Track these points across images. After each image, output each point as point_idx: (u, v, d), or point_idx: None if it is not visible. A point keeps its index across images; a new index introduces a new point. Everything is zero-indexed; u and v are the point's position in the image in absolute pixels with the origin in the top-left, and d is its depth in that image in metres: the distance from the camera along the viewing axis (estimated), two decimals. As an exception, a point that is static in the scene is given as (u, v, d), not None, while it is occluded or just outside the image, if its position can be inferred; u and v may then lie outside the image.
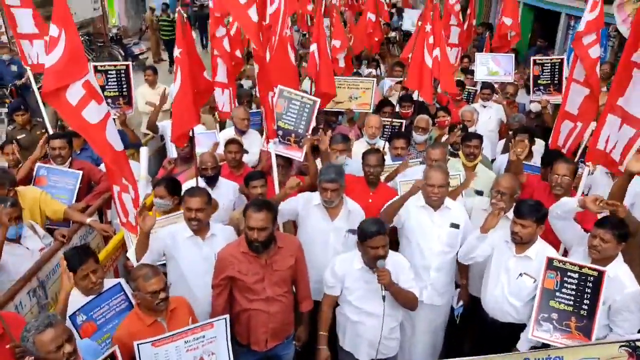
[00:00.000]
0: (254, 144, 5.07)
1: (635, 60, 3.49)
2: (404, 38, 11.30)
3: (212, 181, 4.55)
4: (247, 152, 5.07)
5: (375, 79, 6.74)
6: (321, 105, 5.83)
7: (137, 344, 2.67)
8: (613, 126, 3.74)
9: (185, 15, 3.78)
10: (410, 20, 12.07)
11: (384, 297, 3.27)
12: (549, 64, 6.70)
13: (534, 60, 6.78)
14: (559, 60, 6.77)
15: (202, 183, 4.44)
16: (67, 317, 3.03)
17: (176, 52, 3.80)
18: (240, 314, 3.43)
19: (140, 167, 5.04)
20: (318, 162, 4.85)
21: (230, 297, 3.45)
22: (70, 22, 3.13)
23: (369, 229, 3.27)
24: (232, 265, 3.31)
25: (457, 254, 3.94)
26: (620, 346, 2.95)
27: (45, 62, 3.13)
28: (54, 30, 3.09)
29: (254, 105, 6.70)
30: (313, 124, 4.76)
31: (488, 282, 3.72)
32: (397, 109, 6.59)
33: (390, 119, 6.07)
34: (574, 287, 3.23)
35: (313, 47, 5.71)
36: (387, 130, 5.93)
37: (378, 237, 3.25)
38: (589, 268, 3.23)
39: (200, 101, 4.16)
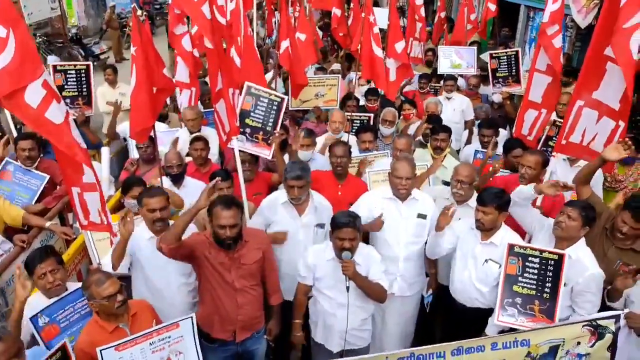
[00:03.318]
0: (211, 143, 5.04)
1: (608, 55, 3.56)
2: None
3: (178, 180, 4.49)
4: None
5: (339, 75, 6.76)
6: (294, 95, 5.87)
7: (100, 350, 2.61)
8: (590, 119, 3.83)
9: (144, 13, 3.75)
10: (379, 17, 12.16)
11: (347, 288, 3.33)
12: (505, 57, 6.87)
13: (491, 55, 6.95)
14: (515, 52, 6.94)
15: (167, 182, 4.39)
16: (29, 319, 2.95)
17: (132, 49, 3.77)
18: (209, 301, 3.40)
19: (102, 168, 4.94)
20: (286, 158, 4.85)
21: (199, 282, 3.45)
22: (18, 21, 3.00)
23: (339, 220, 3.34)
24: (204, 244, 3.28)
25: (425, 244, 3.99)
26: (583, 326, 3.05)
27: None
28: (0, 31, 2.97)
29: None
30: (281, 121, 4.75)
31: (455, 269, 3.79)
32: (363, 102, 6.65)
33: (357, 114, 6.11)
34: (535, 271, 3.32)
35: (285, 43, 5.71)
36: (355, 124, 5.96)
37: (346, 229, 3.30)
38: (550, 252, 3.32)
39: (161, 98, 4.11)
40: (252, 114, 4.64)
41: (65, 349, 2.57)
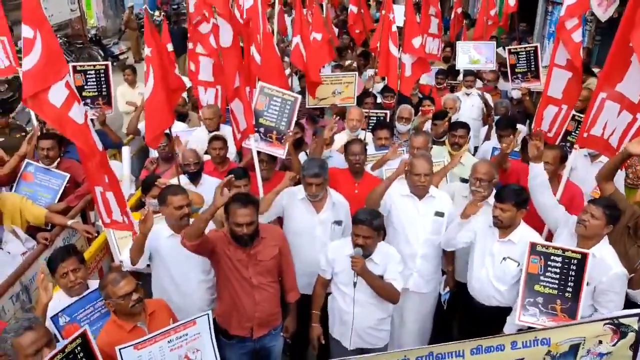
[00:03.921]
0: (229, 142, 5.06)
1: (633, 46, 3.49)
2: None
3: (195, 177, 4.52)
4: None
5: (356, 72, 6.71)
6: (311, 93, 5.84)
7: (119, 349, 2.62)
8: (612, 112, 3.76)
9: (162, 13, 3.77)
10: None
11: (354, 284, 3.34)
12: (524, 52, 6.75)
13: (509, 50, 6.83)
14: (534, 47, 6.81)
15: (185, 180, 4.41)
16: (49, 319, 2.99)
17: (146, 50, 3.79)
18: (227, 298, 3.42)
19: (123, 167, 5.02)
20: (301, 156, 4.84)
21: (218, 279, 3.48)
22: (44, 21, 3.05)
23: (357, 216, 3.39)
24: (223, 241, 3.31)
25: (441, 241, 3.96)
26: (605, 324, 2.99)
27: (22, 66, 3.05)
28: (27, 31, 2.99)
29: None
30: (294, 120, 4.74)
31: (473, 267, 3.75)
32: (380, 99, 6.62)
33: (374, 111, 6.07)
34: (557, 270, 3.26)
35: (297, 39, 5.68)
36: (372, 121, 5.93)
37: (360, 226, 3.33)
38: (572, 251, 3.26)
39: (172, 100, 4.13)
40: (265, 113, 4.63)
41: (86, 337, 2.56)
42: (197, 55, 5.97)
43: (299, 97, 4.76)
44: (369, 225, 3.32)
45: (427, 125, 5.86)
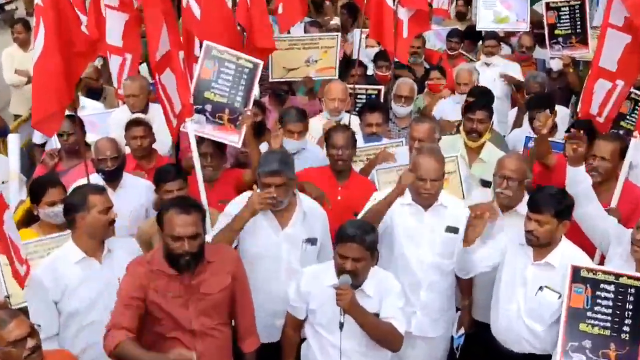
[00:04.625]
0: (159, 127, 5.01)
1: None
2: None
3: (113, 178, 4.48)
4: None
5: (339, 34, 6.69)
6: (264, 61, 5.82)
7: None
8: None
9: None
10: None
11: (341, 325, 3.26)
12: (567, 8, 6.83)
13: (547, 4, 6.89)
14: (579, 1, 6.90)
15: (99, 181, 4.36)
16: None
17: None
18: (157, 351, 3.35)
19: (9, 162, 4.91)
20: (262, 147, 4.81)
21: (142, 326, 3.37)
22: None
23: (344, 231, 3.34)
24: (145, 277, 3.23)
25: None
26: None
27: None
28: None
29: None
30: (254, 95, 4.71)
31: (499, 300, 3.78)
32: (372, 71, 6.65)
33: (363, 86, 6.08)
34: (610, 303, 3.32)
35: None
36: (360, 100, 5.94)
37: (350, 244, 3.29)
38: (629, 277, 3.32)
39: (77, 68, 4.08)
40: (214, 84, 4.60)
41: None
42: (105, 8, 5.87)
43: (261, 62, 4.74)
44: (360, 243, 3.28)
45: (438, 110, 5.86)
